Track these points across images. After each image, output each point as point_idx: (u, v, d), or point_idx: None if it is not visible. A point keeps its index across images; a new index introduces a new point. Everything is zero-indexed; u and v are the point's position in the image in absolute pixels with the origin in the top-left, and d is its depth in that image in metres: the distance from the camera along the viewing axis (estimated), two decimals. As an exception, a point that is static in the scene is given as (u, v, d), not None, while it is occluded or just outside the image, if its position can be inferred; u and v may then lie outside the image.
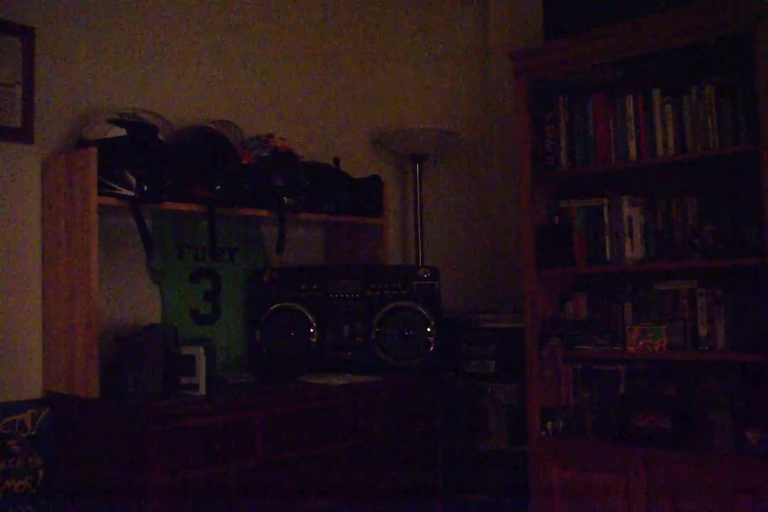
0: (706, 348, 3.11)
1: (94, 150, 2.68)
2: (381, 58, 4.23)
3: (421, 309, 3.36)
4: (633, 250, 3.28)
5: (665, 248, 3.26)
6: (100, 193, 2.68)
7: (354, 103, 4.08)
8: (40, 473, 2.80)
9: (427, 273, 3.41)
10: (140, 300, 3.15)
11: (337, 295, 3.40)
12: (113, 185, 2.71)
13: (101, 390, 2.66)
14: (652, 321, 3.23)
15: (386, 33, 4.26)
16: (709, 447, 2.99)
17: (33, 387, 2.84)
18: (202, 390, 2.76)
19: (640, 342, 3.18)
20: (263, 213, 3.16)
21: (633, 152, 3.26)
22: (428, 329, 3.36)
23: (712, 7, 2.95)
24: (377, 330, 3.36)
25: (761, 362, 2.89)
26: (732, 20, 2.92)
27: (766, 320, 2.90)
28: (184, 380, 2.76)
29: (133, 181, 2.71)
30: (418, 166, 4.02)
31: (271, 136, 3.28)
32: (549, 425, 3.36)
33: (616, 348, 3.28)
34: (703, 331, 3.13)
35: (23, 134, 2.83)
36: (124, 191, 2.71)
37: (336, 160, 3.61)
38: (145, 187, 2.73)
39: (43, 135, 2.90)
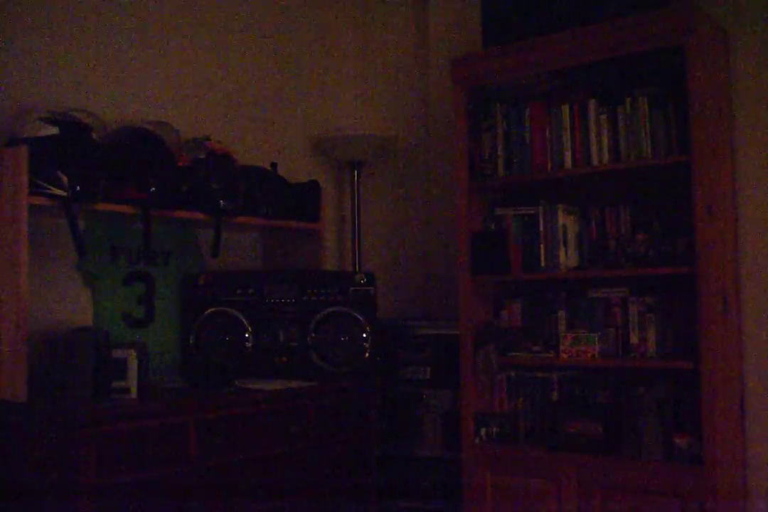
0: (637, 355, 3.15)
1: (25, 148, 2.63)
2: (320, 62, 4.23)
3: (357, 314, 3.36)
4: (567, 258, 3.32)
5: (599, 256, 3.30)
6: (31, 193, 2.64)
7: (292, 108, 4.07)
8: (-37, 478, 2.72)
9: (363, 279, 3.41)
10: (71, 303, 3.10)
11: (272, 300, 3.38)
12: (45, 184, 2.66)
13: (29, 394, 2.61)
14: (585, 329, 3.27)
15: (324, 38, 4.26)
16: (639, 452, 3.02)
17: (-43, 390, 2.76)
18: (134, 394, 2.72)
19: (573, 350, 3.21)
20: (199, 216, 3.13)
21: (569, 161, 3.29)
22: (364, 335, 3.35)
23: (645, 20, 3.00)
24: (313, 335, 3.35)
25: (689, 369, 2.94)
26: (665, 33, 2.97)
27: (694, 328, 2.95)
28: (116, 384, 2.72)
29: (65, 180, 2.67)
30: (356, 171, 4.02)
31: (207, 138, 3.25)
32: (483, 431, 3.37)
33: (549, 355, 3.30)
34: (634, 339, 3.18)
35: (-48, 131, 2.77)
36: (56, 191, 2.67)
37: (274, 165, 3.60)
38: (78, 187, 2.68)
39: (-27, 132, 2.84)
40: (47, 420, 2.56)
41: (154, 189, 2.90)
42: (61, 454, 2.47)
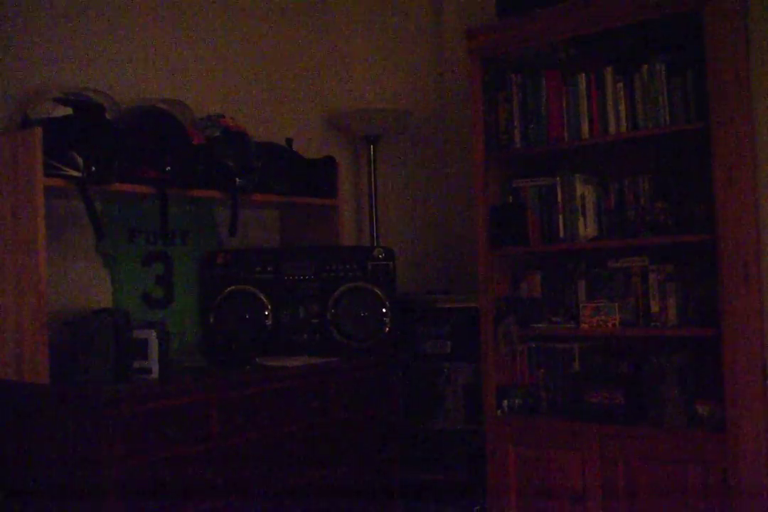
0: (658, 324, 3.14)
1: (39, 130, 2.62)
2: (334, 36, 4.19)
3: (376, 290, 3.36)
4: (586, 229, 3.30)
5: (618, 226, 3.28)
6: (46, 174, 2.63)
7: (306, 83, 4.04)
8: (-9, 461, 2.75)
9: (381, 254, 3.40)
10: (90, 285, 3.10)
11: (291, 277, 3.38)
12: (60, 166, 2.65)
13: (51, 376, 2.62)
14: (606, 299, 3.25)
15: (338, 12, 4.22)
16: (661, 421, 3.02)
17: (-19, 373, 2.79)
18: (155, 374, 2.74)
19: (594, 320, 3.20)
20: (215, 194, 3.13)
21: (585, 131, 3.26)
22: (383, 310, 3.35)
23: (662, -15, 2.96)
24: (332, 311, 3.35)
25: (710, 336, 2.92)
26: (682, -2, 2.93)
27: (715, 295, 2.93)
28: (137, 364, 2.73)
29: (81, 161, 2.66)
30: (372, 146, 3.99)
31: (222, 116, 3.23)
32: (505, 403, 3.37)
33: (570, 325, 3.30)
34: (654, 308, 3.16)
35: (-35, 115, 2.77)
36: (71, 172, 2.66)
37: (289, 141, 3.58)
38: (93, 168, 2.67)
39: (-14, 115, 2.84)
40: (70, 401, 2.58)
41: (169, 168, 2.89)
42: (84, 435, 2.48)
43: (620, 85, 3.19)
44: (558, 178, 3.34)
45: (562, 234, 3.32)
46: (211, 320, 3.34)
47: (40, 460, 2.65)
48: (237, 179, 3.12)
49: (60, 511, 2.56)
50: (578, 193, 3.30)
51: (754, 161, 3.07)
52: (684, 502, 2.92)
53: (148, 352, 2.74)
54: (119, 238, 3.18)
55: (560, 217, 3.33)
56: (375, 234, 3.98)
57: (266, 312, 3.34)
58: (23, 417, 2.72)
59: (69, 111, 2.70)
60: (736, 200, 2.93)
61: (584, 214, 3.30)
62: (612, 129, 3.20)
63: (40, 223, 2.61)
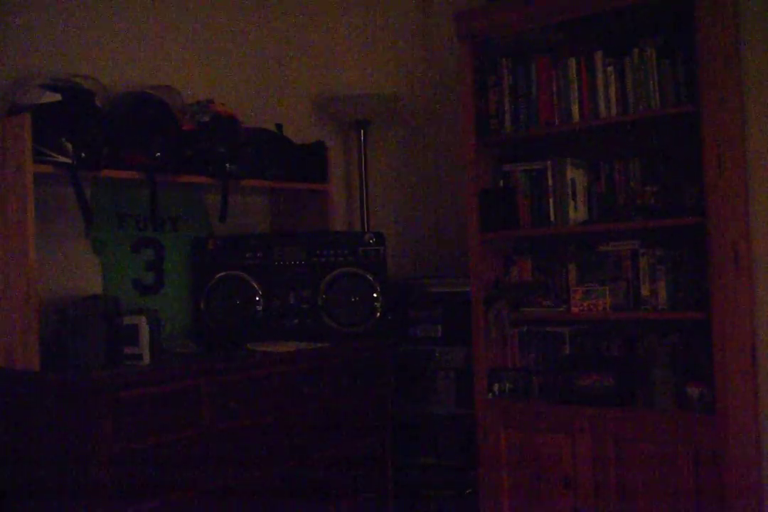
0: (648, 307, 3.15)
1: (27, 116, 2.60)
2: (322, 21, 4.17)
3: (367, 274, 3.36)
4: (576, 212, 3.30)
5: (608, 210, 3.29)
6: (35, 161, 2.62)
7: (296, 68, 4.03)
8: (-18, 448, 2.75)
9: (372, 239, 3.40)
10: (80, 271, 3.10)
11: (282, 262, 3.38)
12: (49, 152, 2.64)
13: (42, 363, 2.62)
14: (596, 283, 3.26)
15: (326, -5, 4.20)
16: (652, 403, 3.04)
17: (-29, 360, 2.79)
18: (146, 360, 2.74)
19: (584, 303, 3.21)
20: (205, 180, 3.11)
21: (576, 114, 3.26)
22: (374, 295, 3.35)
23: (652, -33, 2.95)
24: (323, 296, 3.35)
25: (700, 320, 2.94)
26: (672, -19, 2.92)
27: (705, 279, 2.94)
28: (128, 350, 2.73)
29: (70, 147, 2.65)
30: (362, 131, 3.99)
31: (211, 101, 3.22)
32: (496, 387, 3.38)
33: (560, 309, 3.31)
34: (645, 291, 3.17)
35: (-48, 101, 2.75)
36: (61, 158, 2.65)
37: (279, 126, 3.57)
38: (82, 154, 2.66)
39: (-26, 102, 2.82)
40: (60, 388, 2.58)
41: (159, 154, 2.88)
42: (75, 421, 2.49)
43: (610, 68, 3.19)
44: (548, 162, 3.34)
45: (552, 218, 3.32)
46: (202, 306, 3.34)
47: (30, 447, 2.65)
48: (227, 165, 3.11)
49: (51, 497, 2.56)
50: (569, 176, 3.30)
51: (744, 144, 3.08)
52: (675, 484, 2.94)
53: (138, 338, 2.74)
54: (109, 224, 3.17)
55: (550, 201, 3.33)
56: (366, 219, 3.98)
57: (257, 298, 3.34)
58: (13, 404, 2.72)
59: (58, 97, 2.69)
60: (726, 183, 2.94)
61: (575, 198, 3.31)
62: (602, 113, 3.20)
63: (30, 209, 2.61)
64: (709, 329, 2.90)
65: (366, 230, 3.90)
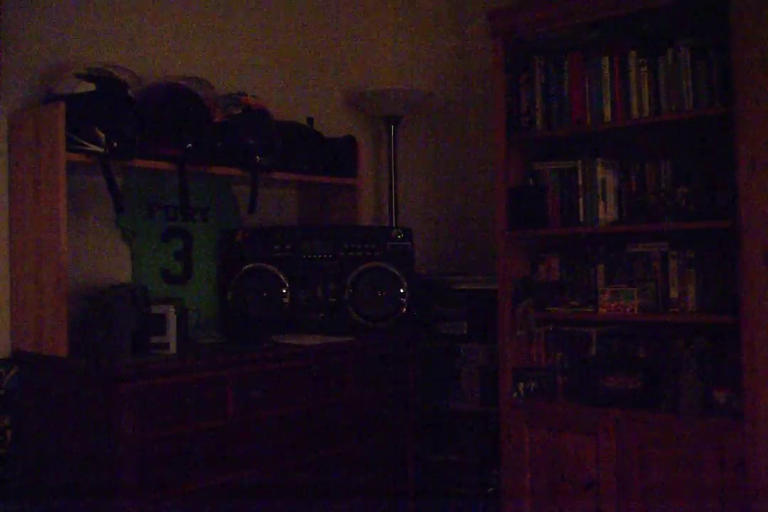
0: (677, 310, 3.13)
1: (62, 105, 2.63)
2: (356, 16, 4.17)
3: (394, 270, 3.36)
4: (606, 212, 3.28)
5: (638, 210, 3.26)
6: (68, 150, 2.64)
7: (327, 63, 4.03)
8: (8, 432, 2.78)
9: (400, 235, 3.40)
10: (110, 260, 3.13)
11: (310, 256, 3.38)
12: (82, 141, 2.66)
13: (70, 349, 2.65)
14: (624, 284, 3.24)
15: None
16: (677, 407, 3.01)
17: (1, 345, 2.81)
18: (173, 349, 2.75)
19: (612, 304, 3.19)
20: (235, 172, 3.13)
21: (608, 114, 3.24)
22: (401, 290, 3.36)
23: (689, -33, 2.93)
24: (350, 290, 3.35)
25: (729, 323, 2.91)
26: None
27: (735, 282, 2.91)
28: (155, 339, 2.75)
29: (103, 137, 2.67)
30: (392, 126, 3.98)
31: (243, 93, 3.23)
32: (520, 386, 3.37)
33: (588, 309, 3.29)
34: (674, 293, 3.15)
35: (-11, 89, 2.78)
36: (93, 147, 2.67)
37: (310, 120, 3.58)
38: (115, 144, 2.68)
39: (10, 90, 2.84)
40: (87, 374, 2.60)
41: (190, 145, 2.90)
42: (101, 408, 2.51)
43: (644, 68, 3.17)
44: (579, 162, 3.32)
45: (581, 217, 3.30)
46: (229, 297, 3.35)
47: (56, 432, 2.68)
48: (257, 157, 3.12)
49: (75, 484, 2.59)
50: (599, 176, 3.28)
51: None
52: (699, 489, 2.91)
53: (165, 327, 2.75)
54: (139, 214, 3.19)
55: (580, 200, 3.31)
56: (394, 214, 3.98)
57: (284, 291, 3.34)
58: (40, 388, 2.75)
59: (92, 87, 2.71)
60: (759, 186, 2.90)
61: (604, 198, 3.29)
62: (635, 113, 3.18)
63: (62, 197, 2.63)
64: (738, 333, 2.87)
65: (394, 225, 3.90)
